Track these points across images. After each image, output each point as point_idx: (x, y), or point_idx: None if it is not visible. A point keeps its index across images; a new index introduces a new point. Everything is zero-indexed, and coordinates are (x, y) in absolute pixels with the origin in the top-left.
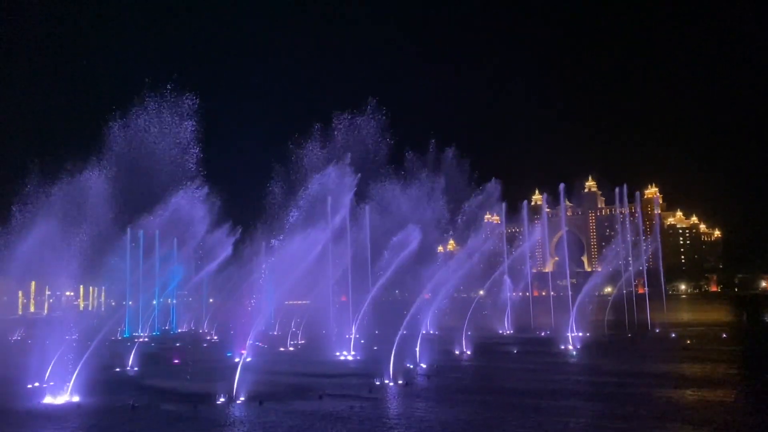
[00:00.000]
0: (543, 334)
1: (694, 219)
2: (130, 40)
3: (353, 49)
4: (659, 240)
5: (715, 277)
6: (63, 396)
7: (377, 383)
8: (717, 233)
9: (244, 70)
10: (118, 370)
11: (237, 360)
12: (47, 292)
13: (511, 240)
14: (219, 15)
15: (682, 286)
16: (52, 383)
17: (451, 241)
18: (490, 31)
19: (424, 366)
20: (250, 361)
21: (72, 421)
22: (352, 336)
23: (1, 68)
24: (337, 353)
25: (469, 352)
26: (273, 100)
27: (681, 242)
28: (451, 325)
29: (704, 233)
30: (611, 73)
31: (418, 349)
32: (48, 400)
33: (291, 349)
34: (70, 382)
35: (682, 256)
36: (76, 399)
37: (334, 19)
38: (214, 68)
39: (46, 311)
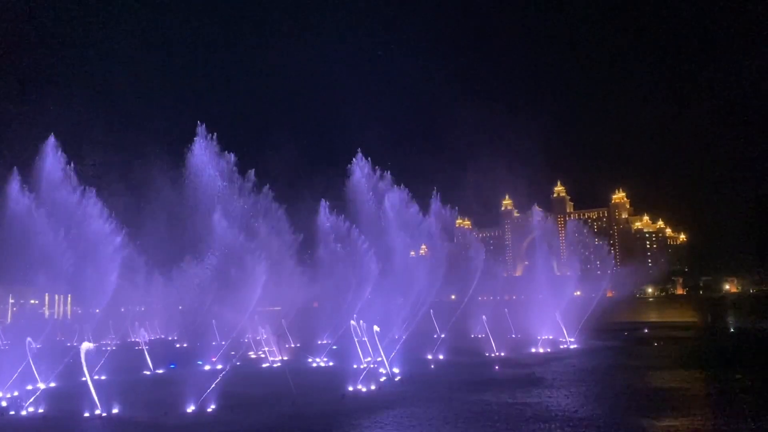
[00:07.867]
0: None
1: (661, 223)
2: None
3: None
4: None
5: (681, 280)
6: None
7: None
8: (682, 237)
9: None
10: None
11: (207, 368)
12: (11, 300)
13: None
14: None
15: (649, 290)
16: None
17: (423, 246)
18: (457, 36)
19: None
20: None
21: None
22: None
23: None
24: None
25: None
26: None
27: (648, 246)
28: None
29: (670, 237)
30: (577, 79)
31: None
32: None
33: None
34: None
35: (649, 260)
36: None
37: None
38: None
39: (9, 319)
